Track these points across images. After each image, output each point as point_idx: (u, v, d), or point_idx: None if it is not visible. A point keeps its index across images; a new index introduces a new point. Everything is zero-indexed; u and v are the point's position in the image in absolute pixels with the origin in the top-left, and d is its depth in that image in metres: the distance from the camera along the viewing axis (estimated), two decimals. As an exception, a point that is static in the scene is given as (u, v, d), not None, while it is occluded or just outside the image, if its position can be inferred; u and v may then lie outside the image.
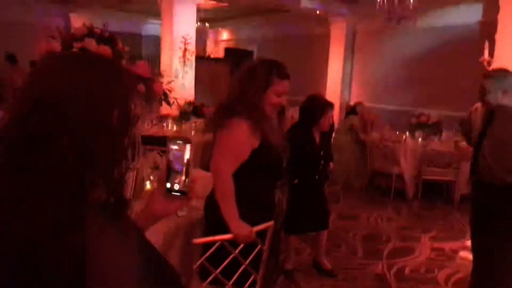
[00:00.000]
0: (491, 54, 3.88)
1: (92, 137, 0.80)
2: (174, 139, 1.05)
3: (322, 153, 3.47)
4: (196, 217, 2.36)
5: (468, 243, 3.87)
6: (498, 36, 3.60)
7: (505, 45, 3.51)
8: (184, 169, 1.04)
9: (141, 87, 2.42)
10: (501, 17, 3.57)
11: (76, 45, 2.34)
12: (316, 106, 3.45)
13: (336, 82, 10.31)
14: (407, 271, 3.79)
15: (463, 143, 3.34)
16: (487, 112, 2.78)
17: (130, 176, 2.54)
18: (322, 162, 3.47)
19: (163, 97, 2.62)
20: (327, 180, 3.75)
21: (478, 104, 2.90)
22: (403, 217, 5.33)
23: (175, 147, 1.04)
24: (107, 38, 2.61)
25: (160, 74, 2.57)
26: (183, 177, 1.04)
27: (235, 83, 2.16)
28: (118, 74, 0.89)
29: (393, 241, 4.47)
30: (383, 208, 5.62)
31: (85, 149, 0.79)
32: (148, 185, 2.61)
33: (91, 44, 2.38)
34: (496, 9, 3.63)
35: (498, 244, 2.73)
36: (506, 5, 3.53)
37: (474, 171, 2.86)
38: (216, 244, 1.85)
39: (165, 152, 1.11)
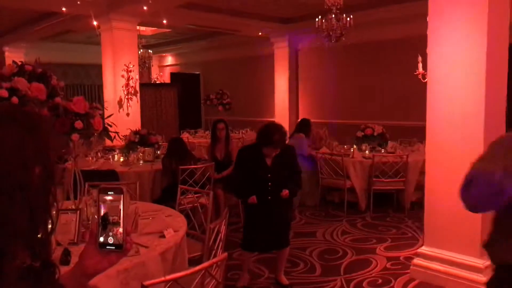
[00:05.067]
0: (425, 67, 4.08)
1: (8, 205, 0.72)
2: (105, 189, 1.00)
3: (270, 176, 3.57)
4: (147, 256, 2.27)
5: (420, 250, 3.98)
6: (429, 51, 3.79)
7: (436, 59, 3.70)
8: (120, 221, 0.98)
9: (79, 123, 2.32)
10: (430, 32, 3.76)
11: (5, 85, 2.21)
12: (265, 134, 3.57)
13: (283, 101, 10.49)
14: (365, 284, 3.82)
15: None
16: None
17: (73, 218, 2.42)
18: (270, 184, 3.58)
19: (104, 132, 2.52)
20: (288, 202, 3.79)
21: None
22: (358, 229, 5.42)
23: (109, 198, 0.99)
24: (39, 75, 2.49)
25: (97, 107, 2.46)
26: (120, 230, 0.98)
27: None
28: (32, 126, 0.80)
29: (349, 255, 4.52)
30: (338, 222, 5.69)
31: (2, 219, 0.71)
32: (93, 225, 2.49)
33: (22, 82, 2.25)
34: (426, 24, 3.84)
35: None
36: (433, 21, 3.73)
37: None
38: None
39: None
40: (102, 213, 1.00)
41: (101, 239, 0.99)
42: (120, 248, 0.99)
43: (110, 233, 0.99)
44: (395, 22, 8.24)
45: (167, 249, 2.37)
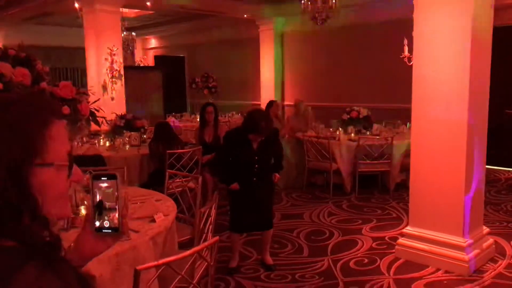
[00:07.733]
0: (410, 50, 4.10)
1: None
2: (99, 176, 1.00)
3: (256, 158, 3.63)
4: (138, 240, 2.28)
5: (405, 230, 4.08)
6: (415, 34, 3.81)
7: (422, 42, 3.73)
8: (116, 206, 1.00)
9: (66, 109, 2.29)
10: (416, 15, 3.77)
11: (-11, 70, 2.16)
12: (251, 122, 3.59)
13: (269, 84, 10.47)
14: (351, 264, 3.91)
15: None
16: None
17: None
18: (257, 166, 3.64)
19: (90, 117, 2.49)
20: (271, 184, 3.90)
21: None
22: (344, 210, 5.50)
23: (103, 184, 0.99)
24: (23, 59, 2.44)
25: (84, 93, 2.43)
26: (116, 214, 1.00)
27: None
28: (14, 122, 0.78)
29: (336, 236, 4.60)
30: (324, 204, 5.77)
31: None
32: (83, 211, 2.49)
33: (6, 68, 2.21)
34: (412, 7, 3.85)
35: None
36: (418, 4, 3.74)
37: None
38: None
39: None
40: (97, 199, 1.01)
41: (97, 223, 1.00)
42: (117, 230, 1.01)
43: (106, 218, 1.00)
44: (381, 4, 8.23)
45: (158, 233, 2.39)
